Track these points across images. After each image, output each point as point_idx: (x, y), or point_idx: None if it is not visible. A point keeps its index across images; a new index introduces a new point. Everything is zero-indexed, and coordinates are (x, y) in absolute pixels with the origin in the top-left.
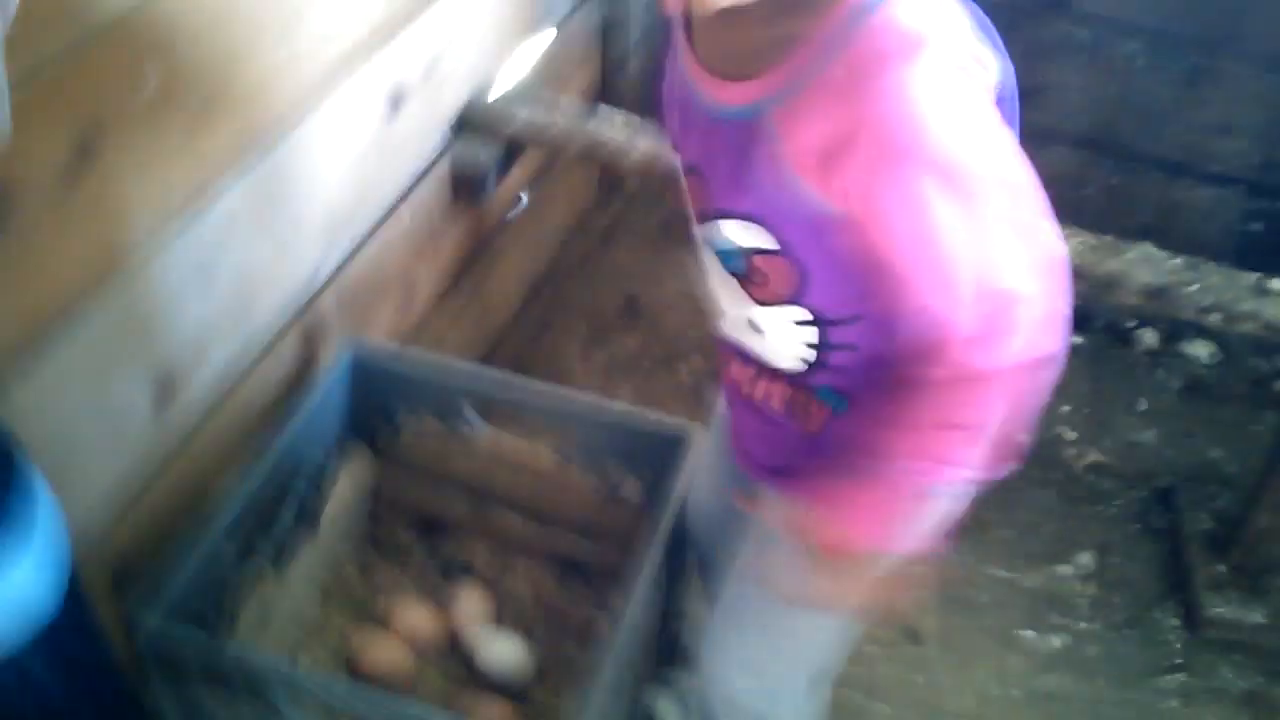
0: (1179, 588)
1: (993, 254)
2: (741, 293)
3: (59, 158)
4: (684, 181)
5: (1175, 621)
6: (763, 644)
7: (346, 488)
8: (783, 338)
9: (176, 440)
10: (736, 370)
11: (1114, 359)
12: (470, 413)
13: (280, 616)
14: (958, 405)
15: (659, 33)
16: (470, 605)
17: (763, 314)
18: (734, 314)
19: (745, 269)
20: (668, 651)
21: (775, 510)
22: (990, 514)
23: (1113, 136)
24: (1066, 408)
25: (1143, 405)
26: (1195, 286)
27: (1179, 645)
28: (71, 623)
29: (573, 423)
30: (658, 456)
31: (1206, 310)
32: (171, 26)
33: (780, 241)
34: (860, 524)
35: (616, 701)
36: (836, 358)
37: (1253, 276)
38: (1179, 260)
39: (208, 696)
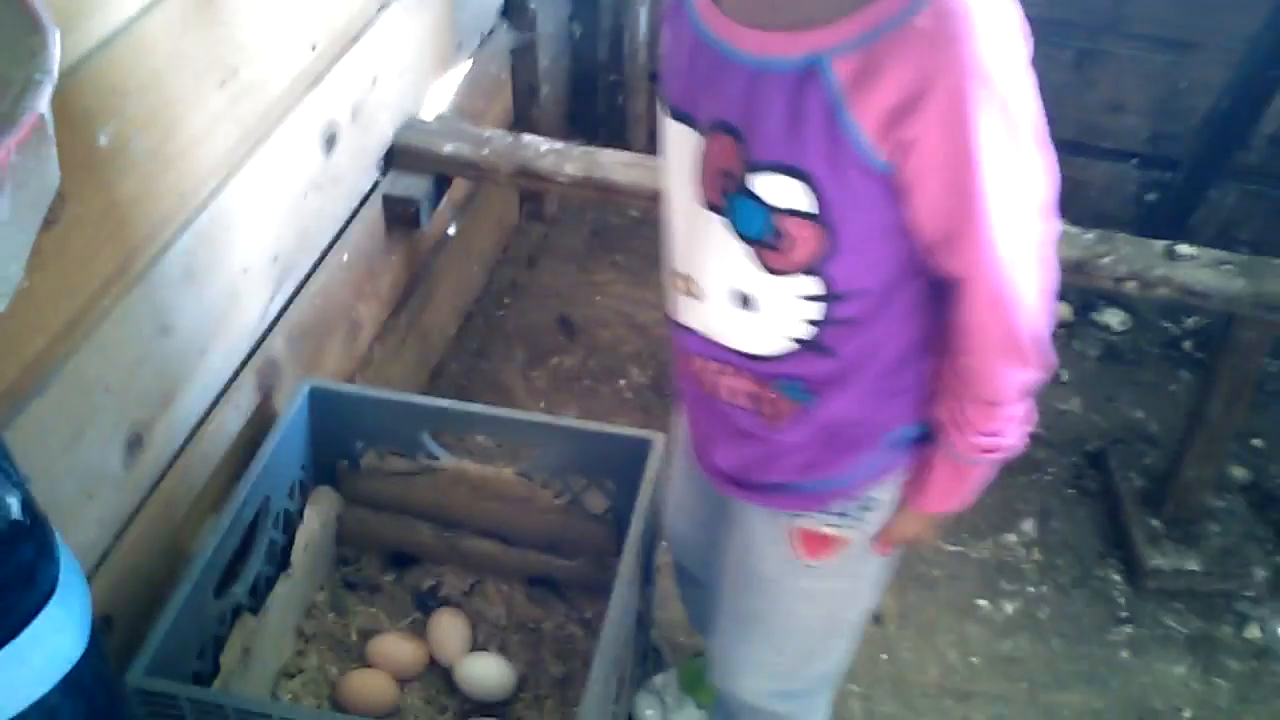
0: (1118, 545)
1: (1032, 176)
2: (752, 261)
3: None
4: (692, 142)
5: (1118, 577)
6: (773, 651)
7: (313, 527)
8: (780, 312)
9: (146, 491)
10: (699, 366)
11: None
12: (430, 443)
13: (261, 659)
14: (1015, 376)
15: (570, 58)
16: (446, 631)
17: (768, 285)
18: (722, 288)
19: (770, 232)
20: (643, 654)
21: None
22: None
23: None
24: None
25: (1065, 375)
26: (1109, 258)
27: (1124, 600)
28: (92, 668)
29: (531, 441)
30: (619, 466)
31: (1122, 279)
32: (118, 84)
33: (821, 201)
34: (945, 503)
35: (603, 707)
36: (832, 336)
37: (1161, 244)
38: (1091, 234)
39: None
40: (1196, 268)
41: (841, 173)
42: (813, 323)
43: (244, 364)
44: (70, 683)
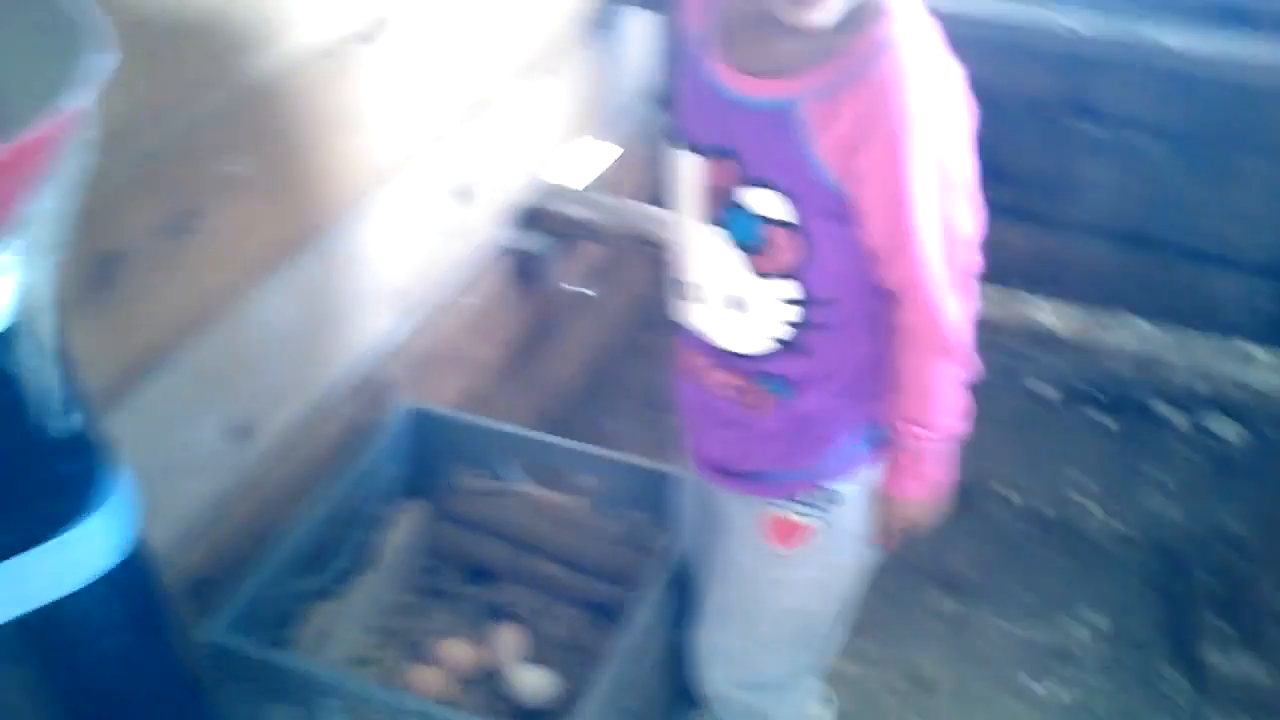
0: (1186, 647)
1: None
2: (745, 265)
3: (162, 229)
4: (700, 167)
5: (1183, 680)
6: (742, 637)
7: (403, 534)
8: (765, 313)
9: (251, 477)
10: (694, 362)
11: (1144, 440)
12: (517, 470)
13: (334, 645)
14: (942, 370)
15: None
16: (509, 643)
17: (756, 287)
18: (719, 292)
19: (759, 238)
20: (679, 697)
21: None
22: (1005, 572)
23: (1142, 230)
24: (1093, 486)
25: (1169, 484)
26: (1181, 356)
27: (1183, 701)
28: (133, 578)
29: (604, 476)
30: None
31: (1195, 378)
32: (256, 123)
33: (798, 213)
34: (913, 487)
35: None
36: (808, 337)
37: (1237, 345)
38: (1167, 333)
39: (265, 706)
40: (1270, 372)
41: (810, 192)
42: (792, 324)
43: (361, 382)
44: (108, 583)
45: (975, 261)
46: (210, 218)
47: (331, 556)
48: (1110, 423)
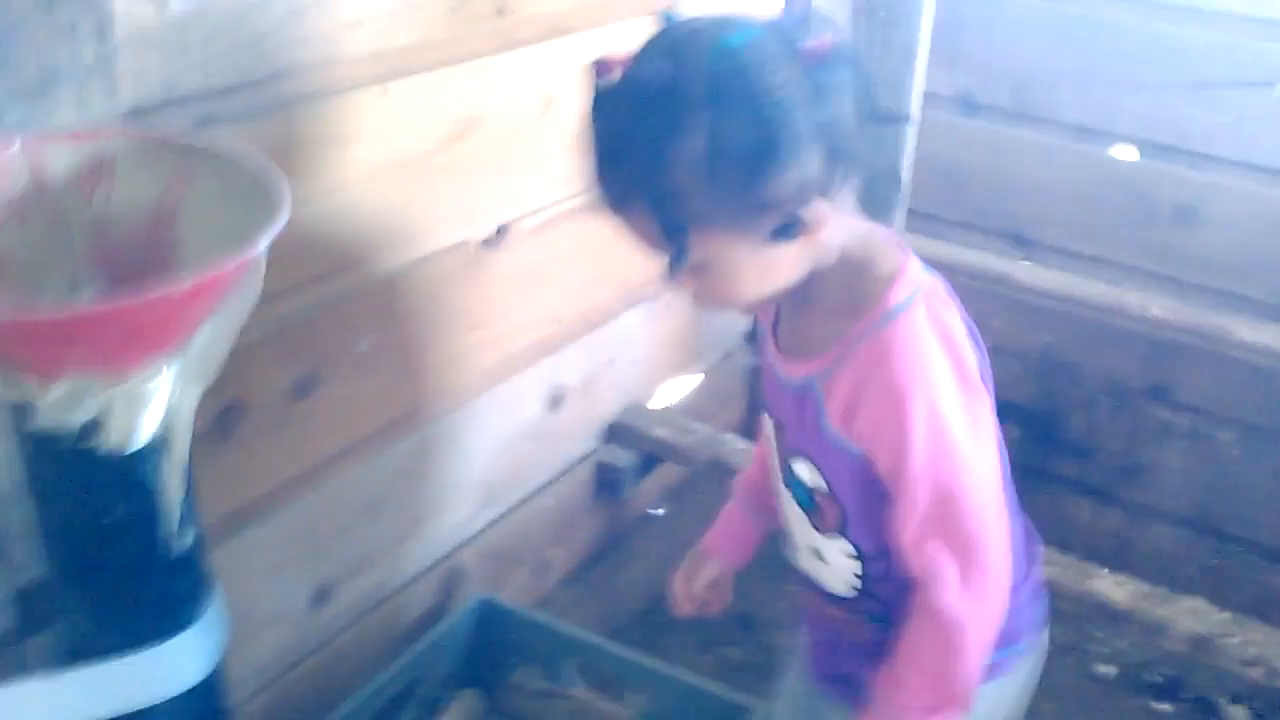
0: None
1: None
2: (808, 523)
3: (284, 389)
4: (774, 436)
5: None
6: None
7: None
8: (838, 565)
9: (321, 639)
10: (805, 597)
11: None
12: (573, 673)
13: None
14: (948, 648)
15: None
16: None
17: (824, 543)
18: (803, 544)
19: (810, 502)
20: None
21: None
22: None
23: (1211, 518)
24: None
25: None
26: (1237, 639)
27: None
28: (209, 701)
29: (656, 691)
30: None
31: (1248, 664)
32: (384, 307)
33: (826, 480)
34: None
35: None
36: (877, 587)
37: (1218, 615)
38: (1226, 615)
39: None
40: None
41: (835, 461)
42: (858, 575)
43: (435, 564)
44: (190, 698)
45: (989, 529)
46: (328, 387)
47: None
48: (1167, 708)
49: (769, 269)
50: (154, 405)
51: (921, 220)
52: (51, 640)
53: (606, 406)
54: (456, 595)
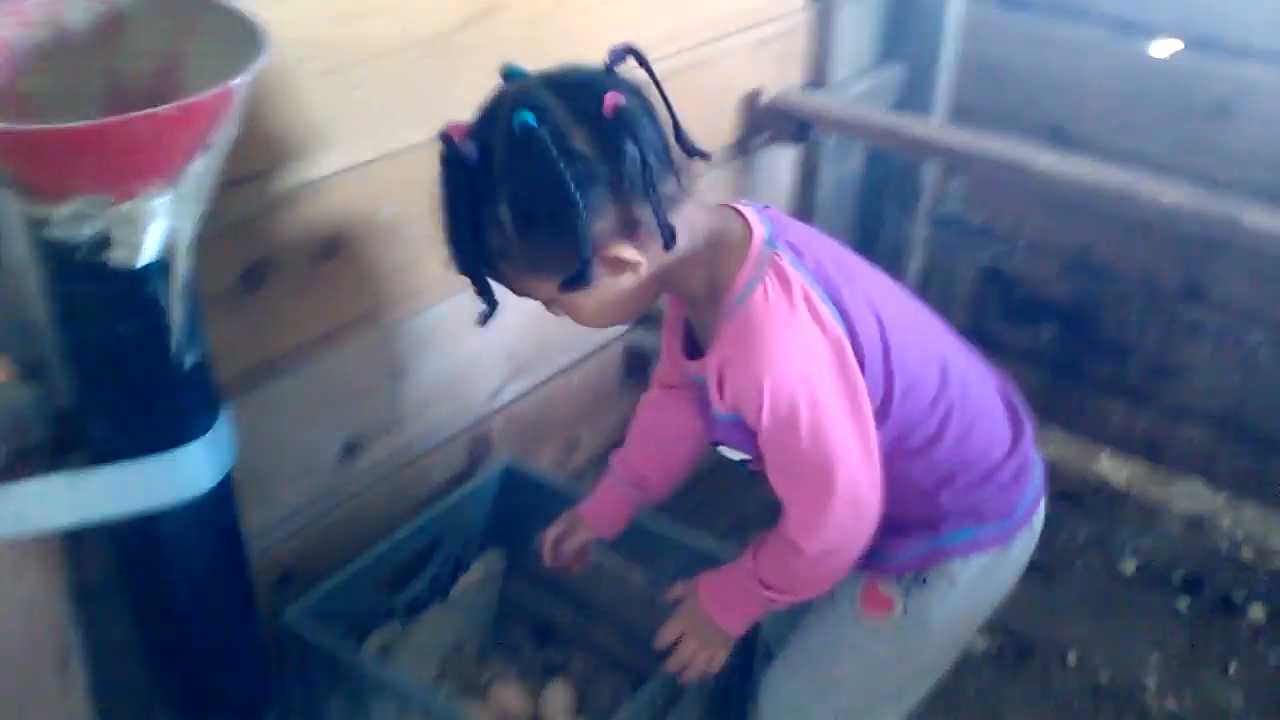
0: None
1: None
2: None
3: (310, 251)
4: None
5: None
6: (806, 688)
7: (477, 578)
8: None
9: (350, 491)
10: None
11: (1217, 625)
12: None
13: (397, 664)
14: (786, 558)
15: None
16: (557, 699)
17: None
18: None
19: (749, 472)
20: None
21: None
22: None
23: (1241, 417)
24: (1155, 657)
25: (1231, 669)
26: (1229, 520)
27: None
28: (220, 506)
29: (670, 556)
30: None
31: (1239, 543)
32: (407, 177)
33: (745, 454)
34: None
35: None
36: None
37: (1250, 512)
38: (1221, 496)
39: (323, 694)
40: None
41: (733, 434)
42: None
43: (463, 430)
44: (198, 506)
45: (840, 475)
46: (352, 251)
47: (409, 583)
48: (1186, 604)
49: (604, 301)
50: (154, 227)
51: (963, 116)
52: (83, 456)
53: None
54: (483, 462)
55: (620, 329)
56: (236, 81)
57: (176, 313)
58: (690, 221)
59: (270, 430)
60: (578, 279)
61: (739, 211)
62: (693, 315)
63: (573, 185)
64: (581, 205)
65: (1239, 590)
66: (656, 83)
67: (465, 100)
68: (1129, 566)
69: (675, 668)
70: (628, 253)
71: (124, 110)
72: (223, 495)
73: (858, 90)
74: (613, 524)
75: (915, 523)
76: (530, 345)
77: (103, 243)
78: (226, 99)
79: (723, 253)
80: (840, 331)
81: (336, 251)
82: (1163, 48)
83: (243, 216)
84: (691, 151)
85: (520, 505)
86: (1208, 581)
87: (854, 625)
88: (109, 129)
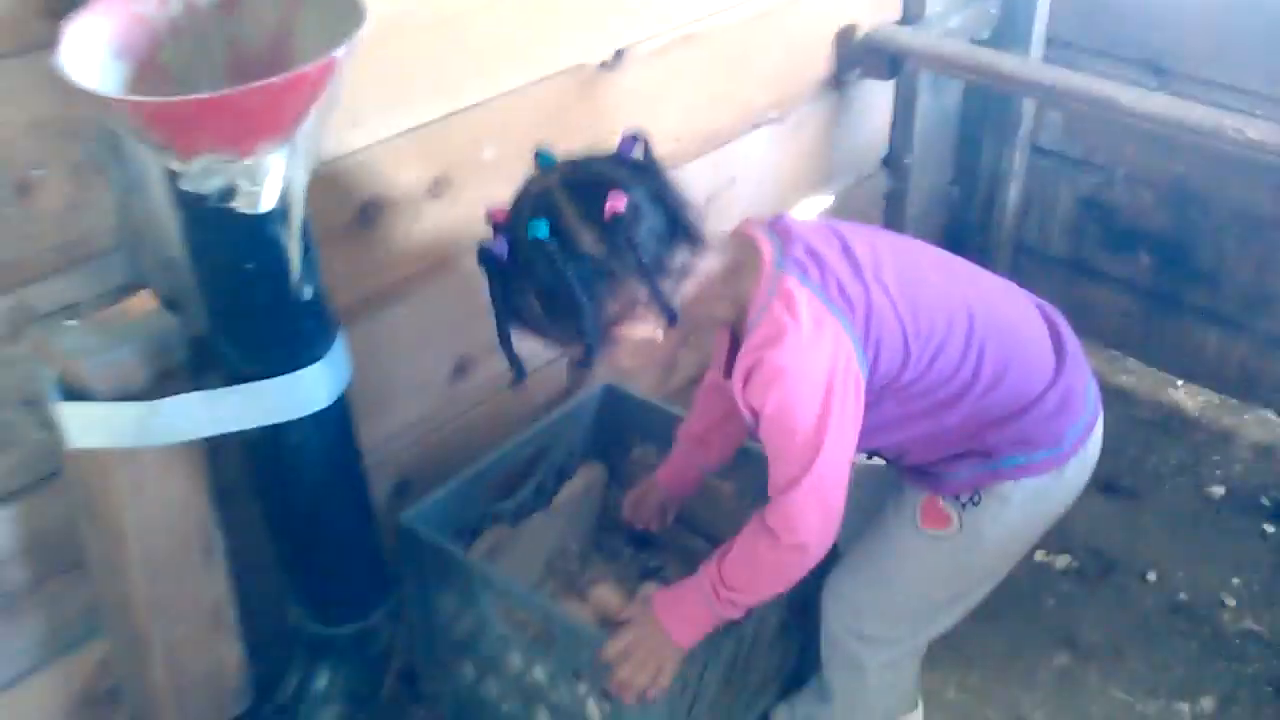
0: None
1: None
2: None
3: (420, 189)
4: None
5: None
6: (866, 587)
7: (580, 487)
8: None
9: (460, 408)
10: None
11: None
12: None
13: (503, 564)
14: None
15: (938, 208)
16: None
17: None
18: None
19: None
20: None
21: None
22: (1128, 645)
23: None
24: (1236, 580)
25: None
26: None
27: None
28: (338, 421)
29: (753, 468)
30: None
31: None
32: (506, 120)
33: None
34: (674, 624)
35: (729, 694)
36: (900, 454)
37: None
38: None
39: (436, 588)
40: None
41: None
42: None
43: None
44: (317, 420)
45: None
46: (458, 189)
47: (516, 490)
48: (1273, 529)
49: (635, 353)
50: (271, 178)
51: (1059, 49)
52: (217, 377)
53: (732, 221)
54: (585, 384)
55: None
56: (339, 51)
57: (295, 251)
58: (707, 270)
59: (386, 353)
60: (589, 355)
61: (750, 235)
62: (734, 334)
63: (578, 288)
64: (587, 303)
65: None
66: (659, 171)
67: (561, 43)
68: (1216, 492)
69: (615, 689)
70: (639, 330)
71: (243, 75)
72: (340, 411)
73: (952, 24)
74: (684, 487)
75: (969, 453)
76: None
77: (229, 193)
78: (330, 68)
79: (741, 281)
80: (847, 338)
81: (444, 190)
82: None
83: (358, 161)
84: (695, 236)
85: (619, 421)
86: None
87: (914, 535)
88: (232, 99)
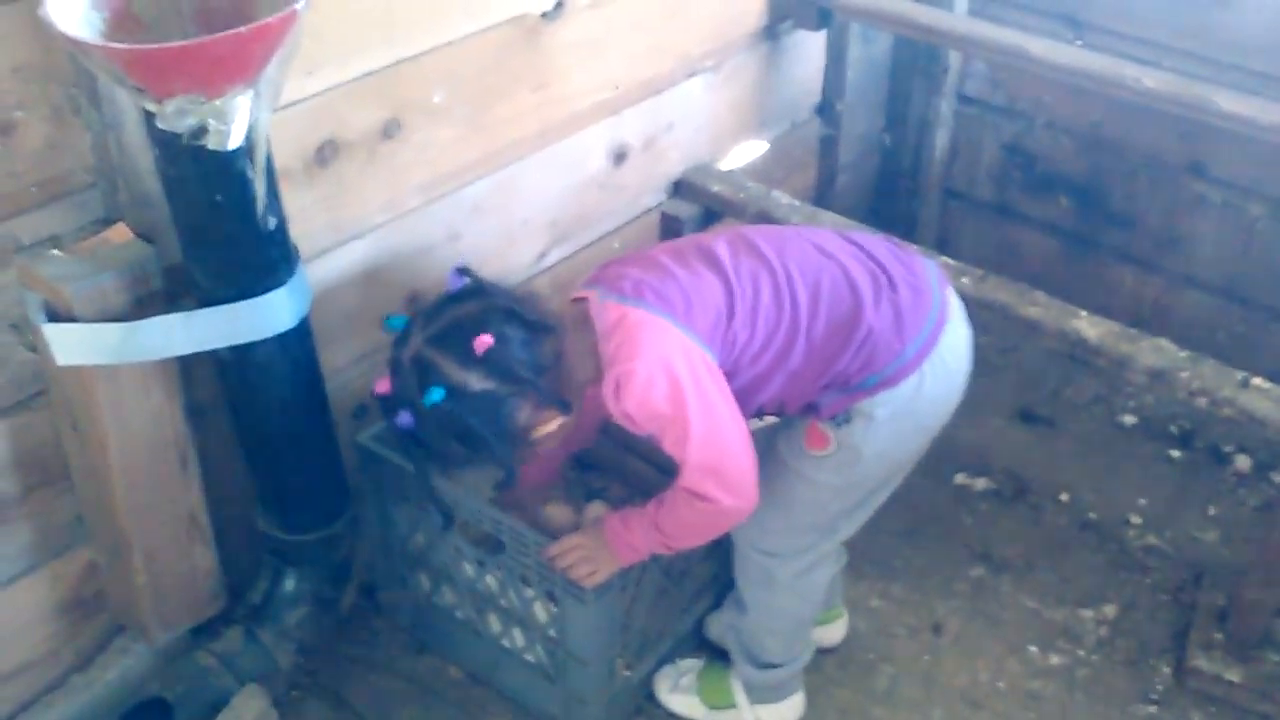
0: (1180, 646)
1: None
2: None
3: (373, 131)
4: None
5: (1166, 670)
6: (766, 508)
7: None
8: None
9: None
10: None
11: (1204, 474)
12: None
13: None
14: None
15: (870, 155)
16: (593, 513)
17: None
18: None
19: None
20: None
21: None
22: (1040, 560)
23: (1239, 287)
24: (1142, 501)
25: (1212, 510)
26: (1187, 373)
27: (1161, 687)
28: (301, 342)
29: None
30: None
31: (1194, 394)
32: (454, 67)
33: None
34: (619, 546)
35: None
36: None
37: (1240, 373)
38: (1184, 354)
39: (392, 501)
40: (1265, 399)
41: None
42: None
43: (513, 288)
44: (281, 341)
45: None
46: (409, 132)
47: None
48: (1179, 454)
49: (563, 438)
50: (238, 118)
51: (985, 2)
52: (190, 303)
53: (670, 165)
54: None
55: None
56: (300, 4)
57: (260, 185)
58: (568, 344)
59: (344, 285)
60: (509, 476)
61: (578, 296)
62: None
63: (485, 427)
64: (496, 436)
65: (1228, 443)
66: (495, 289)
67: None
68: (1128, 420)
69: (557, 564)
70: (547, 428)
71: (211, 25)
72: (303, 333)
73: None
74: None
75: (829, 385)
76: (573, 213)
77: (200, 131)
78: (292, 19)
79: (588, 336)
80: (675, 330)
81: (395, 132)
82: None
83: (314, 104)
84: (549, 325)
85: None
86: (1201, 435)
87: (802, 457)
88: (204, 46)
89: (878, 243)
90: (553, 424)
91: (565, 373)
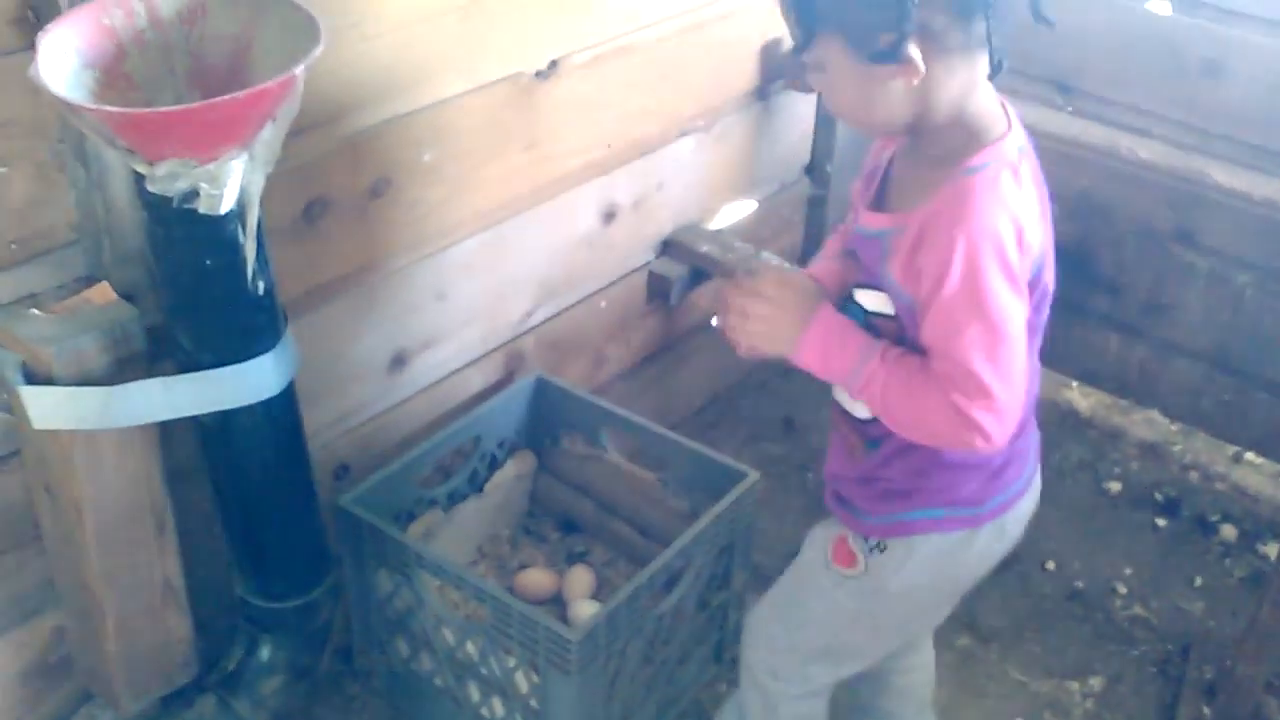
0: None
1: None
2: None
3: (361, 190)
4: (844, 261)
5: None
6: (778, 620)
7: (511, 474)
8: None
9: (398, 397)
10: (834, 411)
11: (1190, 543)
12: (606, 438)
13: (437, 546)
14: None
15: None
16: (578, 582)
17: None
18: None
19: (866, 324)
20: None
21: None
22: (1024, 625)
23: (1228, 356)
24: (1128, 570)
25: (1198, 581)
26: (1179, 447)
27: None
28: (286, 407)
29: (680, 460)
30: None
31: (1187, 468)
32: (445, 126)
33: (896, 307)
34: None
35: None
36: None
37: (1232, 448)
38: (1175, 427)
39: (373, 567)
40: (1257, 473)
41: (896, 297)
42: None
43: (498, 347)
44: (267, 407)
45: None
46: (398, 191)
47: (450, 476)
48: (1165, 523)
49: (869, 93)
50: (231, 182)
51: None
52: (171, 364)
53: (659, 224)
54: (518, 374)
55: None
56: (298, 69)
57: (250, 249)
58: (976, 89)
59: (328, 345)
60: (881, 56)
61: (1008, 114)
62: (907, 170)
63: None
64: None
65: (1214, 513)
66: None
67: (497, 53)
68: (1114, 487)
69: (732, 301)
70: (918, 57)
71: (205, 86)
72: (287, 398)
73: None
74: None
75: (894, 491)
76: (561, 272)
77: (192, 195)
78: (289, 84)
79: (978, 131)
80: (1034, 252)
81: (384, 190)
82: (1158, 5)
83: (304, 162)
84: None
85: (549, 412)
86: (1186, 504)
87: (825, 572)
88: (198, 111)
89: None
90: (918, 58)
91: (941, 94)
